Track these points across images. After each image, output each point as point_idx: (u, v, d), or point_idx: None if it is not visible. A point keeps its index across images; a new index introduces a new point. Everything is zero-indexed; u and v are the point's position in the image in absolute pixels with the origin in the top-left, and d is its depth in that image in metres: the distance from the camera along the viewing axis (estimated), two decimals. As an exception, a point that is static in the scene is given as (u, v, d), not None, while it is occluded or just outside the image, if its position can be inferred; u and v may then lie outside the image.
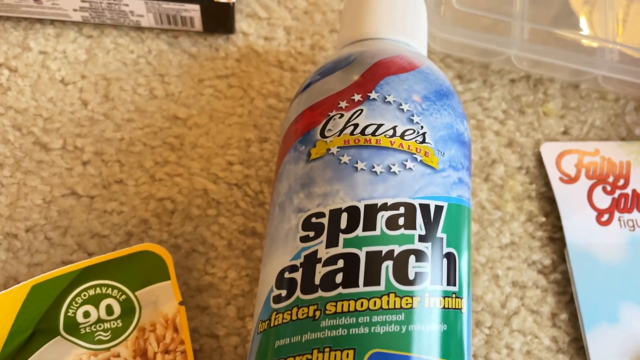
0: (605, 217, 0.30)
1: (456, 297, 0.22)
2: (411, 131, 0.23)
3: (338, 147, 0.23)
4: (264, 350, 0.21)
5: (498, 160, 0.32)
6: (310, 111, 0.24)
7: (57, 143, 0.31)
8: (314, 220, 0.22)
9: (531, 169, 0.32)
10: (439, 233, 0.22)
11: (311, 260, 0.21)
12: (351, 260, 0.21)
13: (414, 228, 0.22)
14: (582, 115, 0.33)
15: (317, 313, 0.21)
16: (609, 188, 0.31)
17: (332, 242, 0.21)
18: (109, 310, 0.26)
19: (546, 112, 0.33)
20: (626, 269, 0.29)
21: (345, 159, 0.22)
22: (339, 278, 0.21)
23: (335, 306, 0.20)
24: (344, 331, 0.20)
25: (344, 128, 0.23)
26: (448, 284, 0.22)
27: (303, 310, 0.21)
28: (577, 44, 0.32)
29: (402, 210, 0.22)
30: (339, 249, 0.21)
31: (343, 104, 0.23)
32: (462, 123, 0.25)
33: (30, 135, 0.31)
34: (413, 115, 0.23)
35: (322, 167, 0.23)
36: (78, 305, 0.26)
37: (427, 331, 0.21)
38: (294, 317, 0.21)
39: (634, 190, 0.31)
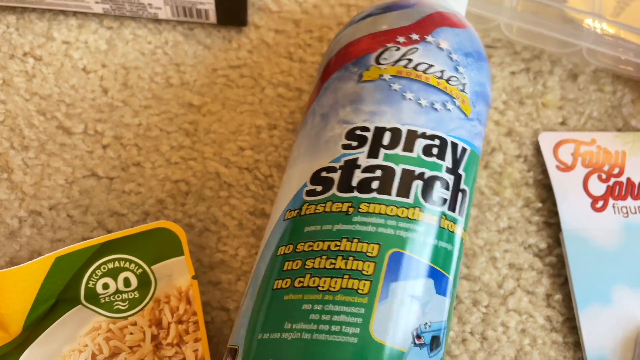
0: (600, 203, 0.32)
1: (463, 229, 0.26)
2: (455, 78, 0.26)
3: (391, 75, 0.26)
4: (291, 233, 0.24)
5: (497, 148, 0.33)
6: (368, 39, 0.27)
7: (79, 127, 0.33)
8: (358, 132, 0.25)
9: (529, 157, 0.33)
10: (460, 170, 0.25)
11: (351, 165, 0.24)
12: (388, 172, 0.24)
13: (444, 160, 0.25)
14: (580, 107, 0.34)
15: (351, 209, 0.24)
16: (604, 176, 0.32)
17: (373, 154, 0.24)
18: (127, 282, 0.27)
19: (545, 104, 0.34)
20: (619, 254, 0.30)
21: (396, 86, 0.25)
22: (375, 184, 0.24)
23: (369, 207, 0.24)
24: (373, 228, 0.23)
25: (399, 60, 0.26)
26: (459, 214, 0.25)
27: (337, 205, 0.24)
28: (565, 16, 0.33)
29: (437, 142, 0.25)
30: (379, 161, 0.24)
31: (401, 39, 0.26)
32: (490, 86, 0.28)
33: (53, 120, 0.33)
34: (459, 66, 0.26)
35: (373, 89, 0.26)
36: (98, 277, 0.27)
37: (439, 246, 0.24)
38: (328, 210, 0.24)
39: (628, 179, 0.32)
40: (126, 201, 0.31)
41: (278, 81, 0.34)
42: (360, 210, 0.23)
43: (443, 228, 0.24)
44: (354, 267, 0.23)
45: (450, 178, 0.25)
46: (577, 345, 0.29)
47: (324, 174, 0.25)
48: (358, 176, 0.24)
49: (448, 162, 0.25)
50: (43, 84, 0.33)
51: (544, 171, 0.33)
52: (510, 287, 0.30)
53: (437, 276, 0.24)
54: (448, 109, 0.26)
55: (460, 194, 0.25)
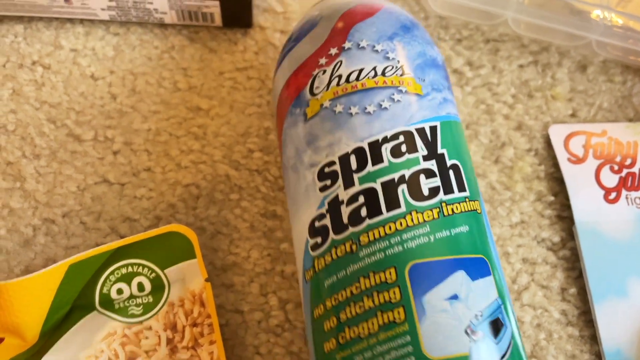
0: (613, 195, 0.31)
1: (469, 201, 0.24)
2: (390, 67, 0.25)
3: (329, 100, 0.25)
4: (317, 293, 0.24)
5: (508, 142, 0.33)
6: (295, 76, 0.26)
7: (89, 134, 0.33)
8: (327, 170, 0.24)
9: (540, 150, 0.33)
10: (439, 149, 0.24)
11: (335, 204, 0.24)
12: (370, 194, 0.23)
13: (416, 151, 0.24)
14: (590, 98, 0.34)
15: (354, 247, 0.23)
16: (616, 167, 0.32)
17: (349, 184, 0.24)
18: (140, 287, 0.28)
19: (554, 96, 0.34)
20: (633, 245, 0.30)
21: (339, 108, 0.25)
22: (363, 212, 0.23)
23: (367, 236, 0.23)
24: (381, 255, 0.22)
25: (330, 81, 0.25)
26: (459, 191, 0.24)
27: (340, 249, 0.23)
28: (573, 9, 0.33)
29: (401, 138, 0.24)
30: (357, 187, 0.23)
31: (323, 61, 0.26)
32: (433, 48, 0.27)
33: (64, 128, 0.33)
34: (388, 53, 0.25)
35: (321, 122, 0.25)
36: (112, 282, 0.28)
37: (453, 235, 0.23)
38: (334, 257, 0.23)
39: (641, 169, 0.32)
40: (138, 206, 0.31)
41: (285, 82, 0.34)
42: (361, 243, 0.23)
43: (448, 215, 0.23)
44: (381, 301, 0.22)
45: (432, 164, 0.24)
46: (593, 338, 0.29)
47: (317, 224, 0.24)
48: (345, 211, 0.23)
49: (422, 150, 0.24)
50: (52, 92, 0.34)
51: (555, 164, 0.32)
52: (524, 282, 0.30)
53: (467, 263, 0.22)
54: (397, 101, 0.24)
55: (451, 172, 0.24)
